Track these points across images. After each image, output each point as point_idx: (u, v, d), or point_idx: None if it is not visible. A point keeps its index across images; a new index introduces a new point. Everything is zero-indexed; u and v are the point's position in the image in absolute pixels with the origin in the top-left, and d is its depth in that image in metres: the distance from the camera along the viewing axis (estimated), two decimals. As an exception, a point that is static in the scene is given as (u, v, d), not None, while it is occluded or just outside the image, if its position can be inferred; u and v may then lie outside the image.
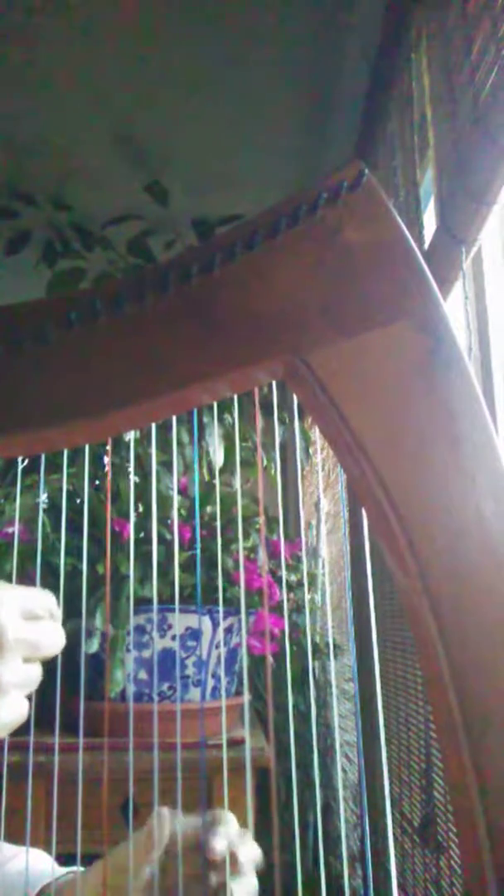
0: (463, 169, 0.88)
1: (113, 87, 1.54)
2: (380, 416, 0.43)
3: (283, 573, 1.16)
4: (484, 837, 0.40)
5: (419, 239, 1.09)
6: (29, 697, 0.43)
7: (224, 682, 1.27)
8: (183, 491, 1.30)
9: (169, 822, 0.57)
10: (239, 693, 1.37)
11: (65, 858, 0.66)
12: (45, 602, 0.44)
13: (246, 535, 1.27)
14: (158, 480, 1.09)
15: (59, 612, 0.45)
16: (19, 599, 0.42)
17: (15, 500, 1.17)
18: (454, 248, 0.92)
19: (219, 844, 0.55)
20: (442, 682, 0.41)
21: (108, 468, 1.10)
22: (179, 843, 0.56)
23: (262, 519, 1.09)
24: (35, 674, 0.43)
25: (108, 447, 0.49)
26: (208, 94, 1.56)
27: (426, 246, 1.04)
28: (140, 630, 1.18)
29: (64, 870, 0.64)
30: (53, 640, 0.43)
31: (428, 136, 1.08)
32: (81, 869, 0.64)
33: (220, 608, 1.21)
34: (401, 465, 0.43)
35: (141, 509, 1.14)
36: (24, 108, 1.60)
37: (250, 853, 0.57)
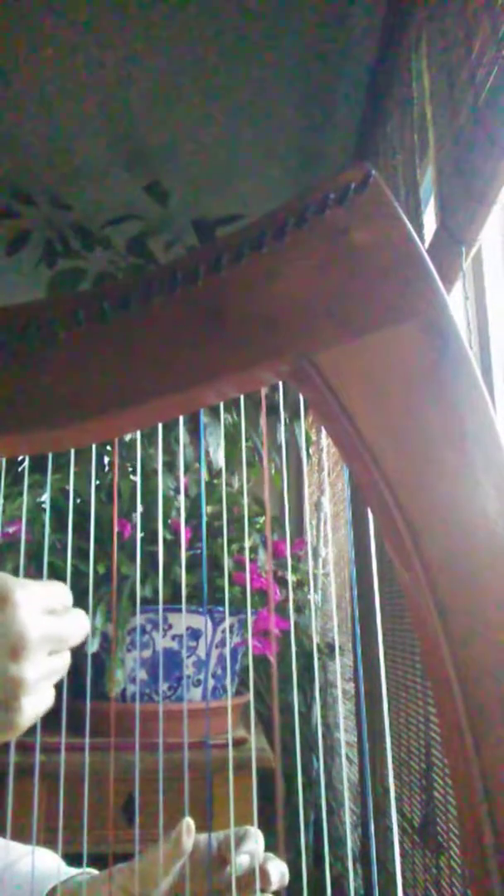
0: (463, 169, 0.88)
1: (113, 87, 1.54)
2: (386, 416, 0.43)
3: (289, 574, 1.16)
4: (488, 838, 0.40)
5: (419, 239, 1.09)
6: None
7: (228, 681, 1.27)
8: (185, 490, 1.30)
9: (193, 833, 0.58)
10: (239, 693, 1.37)
11: (68, 859, 0.66)
12: (61, 594, 0.44)
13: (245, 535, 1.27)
14: (161, 480, 1.09)
15: (70, 602, 0.45)
16: (39, 596, 0.42)
17: (15, 500, 1.17)
18: (454, 248, 0.92)
19: (245, 861, 0.56)
20: (447, 683, 0.41)
21: (114, 468, 1.10)
22: (207, 856, 0.57)
23: (263, 518, 1.10)
24: (63, 662, 0.44)
25: (114, 447, 0.49)
26: (208, 94, 1.56)
27: (426, 246, 1.04)
28: (140, 630, 1.18)
29: (72, 870, 0.64)
30: (77, 629, 0.44)
31: (428, 136, 1.08)
32: (89, 870, 0.64)
33: (225, 608, 1.21)
34: (407, 465, 0.43)
35: (141, 509, 1.14)
36: (25, 108, 1.60)
37: (277, 870, 0.58)
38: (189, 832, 0.57)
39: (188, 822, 0.58)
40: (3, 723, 0.39)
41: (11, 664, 0.39)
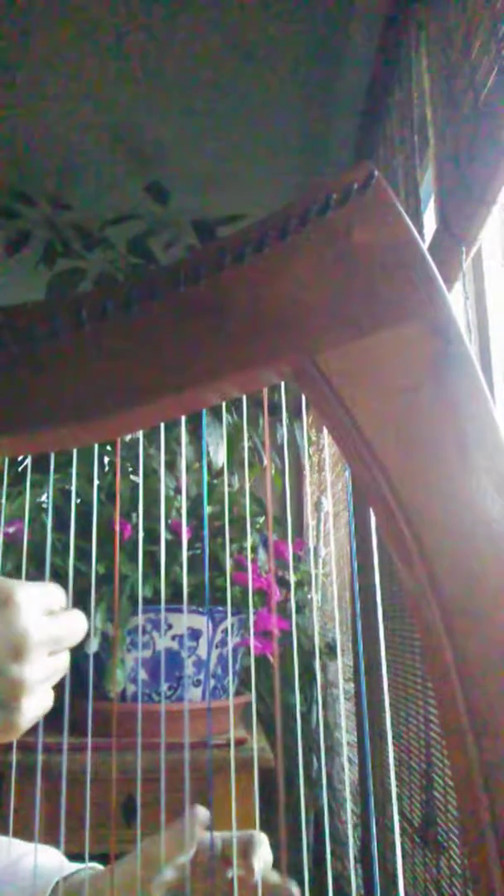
0: (463, 169, 0.88)
1: (113, 86, 1.54)
2: (388, 417, 0.43)
3: (291, 574, 1.16)
4: (489, 838, 0.40)
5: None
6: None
7: (230, 681, 1.27)
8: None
9: (201, 822, 0.58)
10: (239, 693, 1.37)
11: (69, 858, 0.66)
12: (57, 594, 0.45)
13: (245, 535, 1.27)
14: (159, 480, 1.09)
15: (64, 602, 0.45)
16: (39, 597, 0.42)
17: (15, 500, 1.17)
18: (454, 248, 0.92)
19: (257, 865, 0.56)
20: (449, 683, 0.41)
21: (116, 468, 1.10)
22: (215, 853, 0.56)
23: (263, 519, 1.09)
24: (62, 663, 0.44)
25: (116, 447, 0.49)
26: (208, 95, 1.56)
27: (426, 246, 1.04)
28: (141, 630, 1.18)
29: (76, 865, 0.64)
30: (75, 629, 0.44)
31: (428, 136, 1.08)
32: (94, 864, 0.64)
33: (227, 608, 1.21)
34: (409, 465, 0.43)
35: (141, 509, 1.14)
36: (24, 108, 1.60)
37: (276, 879, 0.58)
38: (196, 818, 0.58)
39: (199, 809, 0.58)
40: (3, 724, 0.40)
41: (13, 665, 0.40)
